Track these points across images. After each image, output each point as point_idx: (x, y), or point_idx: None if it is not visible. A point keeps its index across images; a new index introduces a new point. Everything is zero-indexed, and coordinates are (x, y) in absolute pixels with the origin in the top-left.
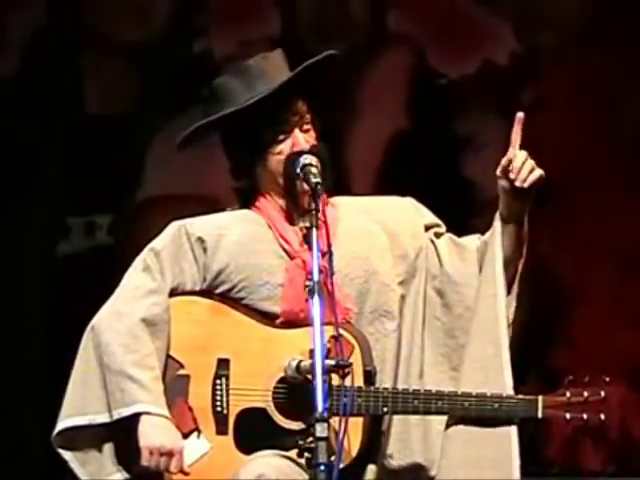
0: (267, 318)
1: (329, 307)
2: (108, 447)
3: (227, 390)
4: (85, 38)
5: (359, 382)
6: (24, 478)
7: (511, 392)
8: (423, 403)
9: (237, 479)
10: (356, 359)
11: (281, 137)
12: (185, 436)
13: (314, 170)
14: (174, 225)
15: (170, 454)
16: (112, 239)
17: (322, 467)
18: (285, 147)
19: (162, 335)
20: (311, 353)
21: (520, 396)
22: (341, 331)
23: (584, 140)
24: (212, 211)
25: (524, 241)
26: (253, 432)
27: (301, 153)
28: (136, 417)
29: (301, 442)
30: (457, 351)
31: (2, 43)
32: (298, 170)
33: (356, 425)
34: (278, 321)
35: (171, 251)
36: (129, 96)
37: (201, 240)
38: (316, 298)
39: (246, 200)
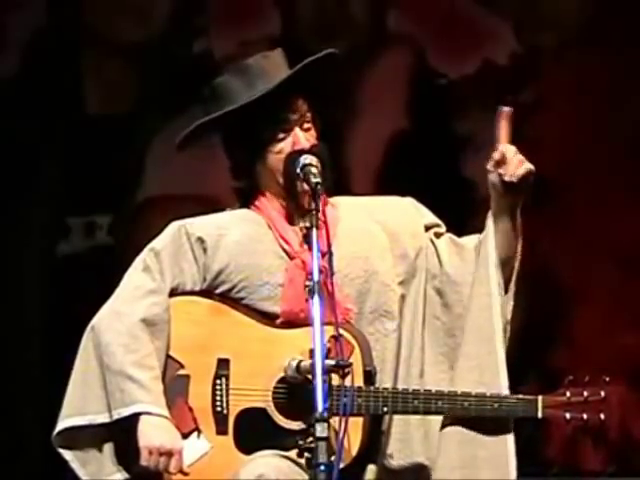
0: (267, 318)
1: (329, 307)
2: (108, 447)
3: (227, 390)
4: (85, 38)
5: (359, 382)
6: (24, 478)
7: (506, 391)
8: (423, 403)
9: (237, 479)
10: (356, 359)
11: (281, 135)
12: (185, 436)
13: (314, 170)
14: (174, 225)
15: (169, 454)
16: (112, 239)
17: (322, 467)
18: (285, 146)
19: (162, 335)
20: (311, 353)
21: (520, 396)
22: (341, 331)
23: (584, 140)
24: (212, 211)
25: (518, 238)
26: (253, 432)
27: (301, 153)
28: (136, 417)
29: (301, 442)
30: (456, 350)
31: (2, 43)
32: (298, 170)
33: (356, 425)
34: (278, 321)
35: (171, 251)
36: (129, 96)
37: (201, 240)
38: (316, 298)
39: (246, 200)
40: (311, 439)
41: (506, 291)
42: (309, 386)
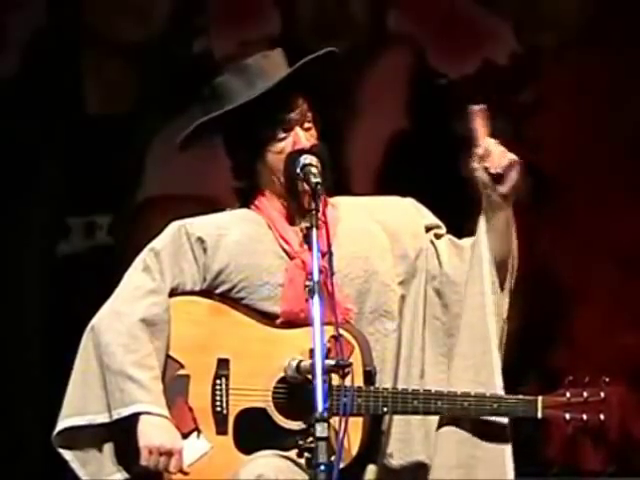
0: (267, 318)
1: (329, 307)
2: (108, 447)
3: (227, 390)
4: (85, 38)
5: (359, 382)
6: (24, 478)
7: (501, 391)
8: (423, 403)
9: (236, 479)
10: (356, 359)
11: (282, 135)
12: (185, 436)
13: (314, 170)
14: (174, 225)
15: (169, 454)
16: (112, 239)
17: (322, 467)
18: (286, 145)
19: (162, 335)
20: (311, 353)
21: (520, 396)
22: (341, 331)
23: (584, 140)
24: (212, 211)
25: (513, 235)
26: (253, 432)
27: (301, 152)
28: (136, 417)
29: (301, 442)
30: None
31: (2, 43)
32: (298, 170)
33: (356, 425)
34: (278, 321)
35: (171, 251)
36: (129, 96)
37: (201, 240)
38: (316, 298)
39: (246, 200)
40: (311, 439)
41: (502, 289)
42: (309, 386)
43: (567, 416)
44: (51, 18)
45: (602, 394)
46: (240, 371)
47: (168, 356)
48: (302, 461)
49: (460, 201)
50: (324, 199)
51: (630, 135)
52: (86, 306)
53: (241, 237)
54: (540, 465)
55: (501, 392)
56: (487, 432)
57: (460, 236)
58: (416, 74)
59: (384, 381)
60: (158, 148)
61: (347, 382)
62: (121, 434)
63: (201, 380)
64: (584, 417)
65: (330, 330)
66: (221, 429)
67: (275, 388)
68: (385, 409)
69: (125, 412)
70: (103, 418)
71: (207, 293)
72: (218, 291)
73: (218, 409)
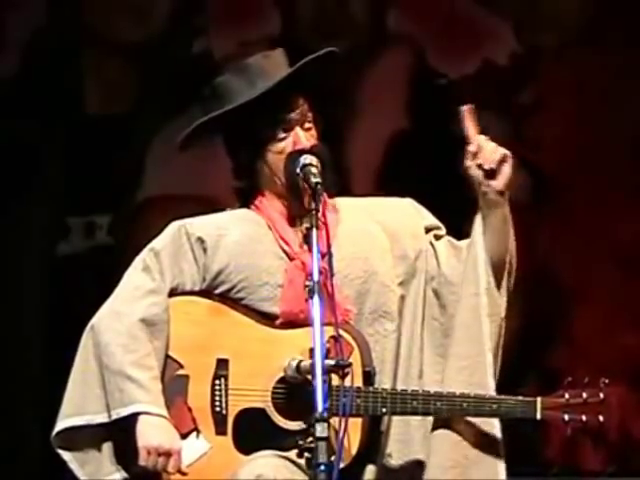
0: (266, 318)
1: (329, 308)
2: (107, 447)
3: (226, 390)
4: (85, 38)
5: (358, 383)
6: (24, 478)
7: (493, 393)
8: (422, 404)
9: (236, 479)
10: (355, 360)
11: (282, 135)
12: (184, 436)
13: (314, 170)
14: (174, 225)
15: (168, 454)
16: (112, 239)
17: (322, 467)
18: (286, 145)
19: (161, 335)
20: (311, 353)
21: (519, 397)
22: (340, 332)
23: (584, 140)
24: (212, 211)
25: (509, 233)
26: (252, 432)
27: (301, 153)
28: (135, 417)
29: (301, 442)
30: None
31: (2, 43)
32: (298, 170)
33: (355, 425)
34: (277, 322)
35: (171, 251)
36: (129, 96)
37: (201, 240)
38: (316, 298)
39: (246, 200)
40: (311, 439)
41: (499, 287)
42: (308, 386)
43: (566, 417)
44: (51, 18)
45: (601, 395)
46: (239, 371)
47: (167, 356)
48: (301, 461)
49: (460, 201)
50: (324, 199)
51: (630, 135)
52: (86, 306)
53: (241, 237)
54: (540, 465)
55: (493, 394)
56: (479, 433)
57: (460, 236)
58: (416, 74)
59: (383, 382)
60: (158, 148)
61: (346, 382)
62: (120, 434)
63: (200, 380)
64: (583, 418)
65: (329, 330)
66: (220, 429)
67: (274, 388)
68: (384, 410)
69: (124, 412)
70: (102, 418)
71: (207, 293)
72: (218, 291)
73: (217, 409)
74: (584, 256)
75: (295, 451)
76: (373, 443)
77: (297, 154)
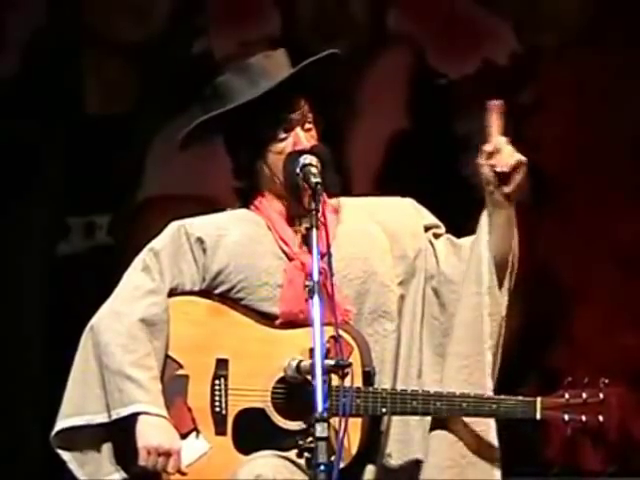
0: (266, 319)
1: (328, 308)
2: (106, 447)
3: (226, 390)
4: (85, 38)
5: (358, 383)
6: (24, 478)
7: (490, 393)
8: (421, 404)
9: (235, 479)
10: (355, 360)
11: (282, 135)
12: (184, 436)
13: (314, 170)
14: (173, 225)
15: (168, 454)
16: (112, 239)
17: (322, 467)
18: (286, 146)
19: (161, 335)
20: (311, 353)
21: (519, 397)
22: (340, 332)
23: (584, 140)
24: (212, 211)
25: (514, 234)
26: (252, 432)
27: (301, 153)
28: (134, 417)
29: (301, 442)
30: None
31: (2, 43)
32: (298, 170)
33: (355, 425)
34: (277, 322)
35: (170, 251)
36: (129, 96)
37: (200, 240)
38: (316, 298)
39: (246, 200)
40: (311, 439)
41: (501, 287)
42: (308, 386)
43: (566, 417)
44: (51, 18)
45: (601, 395)
46: (239, 371)
47: (167, 356)
48: (301, 461)
49: (460, 201)
50: (324, 200)
51: (630, 135)
52: (86, 306)
53: (240, 238)
54: (540, 465)
55: (490, 394)
56: (476, 433)
57: (460, 236)
58: (416, 74)
59: (383, 382)
60: (158, 148)
61: (346, 383)
62: (119, 434)
63: (200, 380)
64: (583, 418)
65: (329, 330)
66: (220, 429)
67: (274, 388)
68: (384, 410)
69: (124, 412)
70: (102, 418)
71: (206, 293)
72: (217, 291)
73: (217, 409)
74: (584, 256)
75: (295, 451)
76: (373, 443)
77: (297, 154)
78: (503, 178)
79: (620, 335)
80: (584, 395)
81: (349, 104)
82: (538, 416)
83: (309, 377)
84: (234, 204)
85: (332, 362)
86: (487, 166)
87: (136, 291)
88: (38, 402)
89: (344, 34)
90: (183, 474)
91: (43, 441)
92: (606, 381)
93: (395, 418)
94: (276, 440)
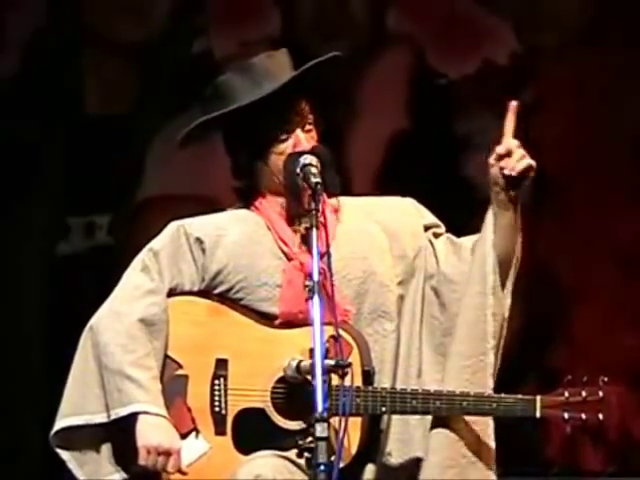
0: (265, 318)
1: (328, 308)
2: (106, 447)
3: (225, 390)
4: (85, 38)
5: (358, 382)
6: (24, 478)
7: (490, 392)
8: (421, 403)
9: (235, 479)
10: (355, 359)
11: (283, 137)
12: (184, 436)
13: (314, 170)
14: (173, 225)
15: (167, 453)
16: (112, 239)
17: (322, 467)
18: (287, 147)
19: (160, 335)
20: (311, 353)
21: (518, 396)
22: (340, 331)
23: (584, 140)
24: (212, 211)
25: (518, 235)
26: (251, 432)
27: (301, 153)
28: (134, 417)
29: (300, 442)
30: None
31: (2, 43)
32: (298, 170)
33: (355, 424)
34: (277, 322)
35: (170, 251)
36: (129, 96)
37: (200, 241)
38: (316, 298)
39: (246, 200)
40: (310, 439)
41: (504, 287)
42: (308, 386)
43: (566, 415)
44: (51, 18)
45: (600, 393)
46: (239, 371)
47: (167, 356)
48: (301, 461)
49: (460, 201)
50: (323, 199)
51: (630, 135)
52: (86, 306)
53: (240, 238)
54: (540, 465)
55: (491, 392)
56: (476, 433)
57: (460, 236)
58: (416, 74)
59: (383, 381)
60: (158, 148)
61: (346, 382)
62: (119, 434)
63: (200, 380)
64: (583, 416)
65: (329, 330)
66: (220, 429)
67: (274, 388)
68: (384, 409)
69: (123, 412)
70: (101, 418)
71: (206, 293)
72: (217, 291)
73: (217, 409)
74: (584, 256)
75: (295, 451)
76: (373, 442)
77: (297, 155)
78: (511, 181)
79: (620, 335)
80: (584, 393)
81: (349, 104)
82: (538, 414)
83: (309, 377)
84: (234, 204)
85: (332, 362)
86: (496, 167)
87: (135, 291)
88: (38, 402)
89: (344, 34)
90: (183, 474)
91: (43, 441)
92: (605, 379)
93: (395, 417)
94: (276, 440)
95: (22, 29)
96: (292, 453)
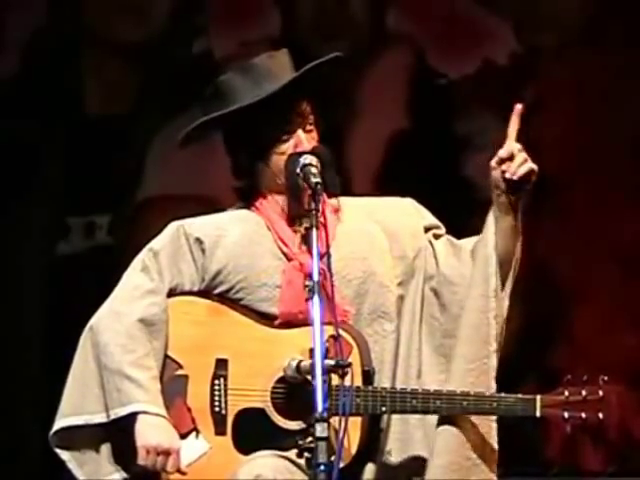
0: (265, 318)
1: (328, 309)
2: (106, 447)
3: (225, 390)
4: (85, 38)
5: (358, 382)
6: (24, 478)
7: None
8: (421, 402)
9: (235, 479)
10: (355, 359)
11: (285, 137)
12: (183, 436)
13: (314, 170)
14: (173, 225)
15: (167, 453)
16: (112, 239)
17: (322, 467)
18: (288, 147)
19: (160, 335)
20: (310, 353)
21: (519, 395)
22: (340, 331)
23: (584, 140)
24: (212, 211)
25: (518, 237)
26: (252, 432)
27: (301, 153)
28: (133, 417)
29: (301, 442)
30: (453, 351)
31: (2, 43)
32: (298, 170)
33: (355, 424)
34: (276, 322)
35: (170, 251)
36: (129, 96)
37: (199, 241)
38: (316, 298)
39: (246, 200)
40: (310, 439)
41: (503, 288)
42: (308, 386)
43: (566, 414)
44: (51, 18)
45: (600, 392)
46: (239, 371)
47: (167, 356)
48: (301, 461)
49: (460, 201)
50: (324, 200)
51: (630, 135)
52: (86, 306)
53: (240, 238)
54: (540, 465)
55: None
56: (480, 434)
57: (460, 236)
58: (416, 74)
59: (382, 382)
60: (158, 148)
61: (346, 382)
62: (119, 434)
63: (200, 380)
64: (583, 415)
65: (329, 330)
66: (220, 429)
67: (274, 388)
68: (384, 408)
69: (122, 412)
70: (100, 418)
71: (206, 293)
72: (216, 292)
73: (217, 409)
74: (584, 256)
75: (295, 451)
76: (373, 441)
77: (297, 155)
78: (511, 185)
79: (620, 335)
80: (584, 392)
81: (349, 104)
82: (538, 413)
83: (309, 377)
84: (234, 204)
85: (332, 362)
86: (498, 170)
87: (135, 291)
88: (38, 402)
89: (344, 34)
90: (182, 473)
91: (43, 441)
92: (605, 378)
93: (395, 418)
94: (276, 440)
95: (22, 29)
96: (292, 453)
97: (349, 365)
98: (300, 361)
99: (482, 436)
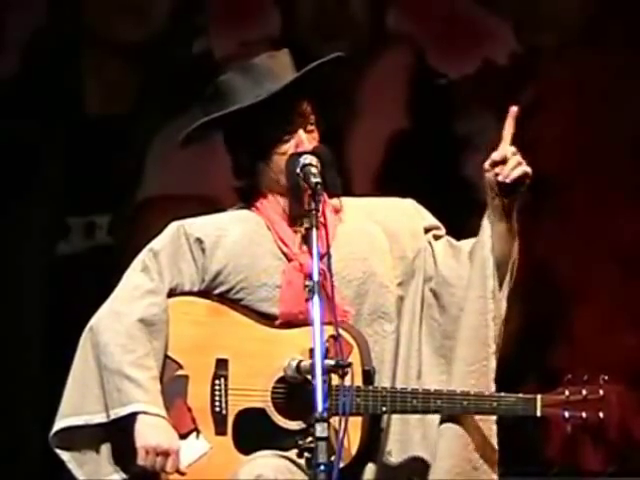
0: (266, 319)
1: (328, 309)
2: (105, 447)
3: (226, 390)
4: (85, 38)
5: (358, 382)
6: (24, 478)
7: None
8: (421, 402)
9: (236, 479)
10: (355, 359)
11: (286, 137)
12: (184, 436)
13: (314, 170)
14: (173, 225)
15: (166, 454)
16: (112, 239)
17: (322, 467)
18: (289, 147)
19: (160, 335)
20: (311, 353)
21: (519, 395)
22: (340, 331)
23: (584, 140)
24: (212, 211)
25: (514, 239)
26: (252, 432)
27: (302, 153)
28: (133, 417)
29: (301, 442)
30: (453, 352)
31: (2, 43)
32: (298, 170)
33: (355, 424)
34: (277, 322)
35: (170, 252)
36: (129, 96)
37: (200, 241)
38: (316, 298)
39: (247, 200)
40: (311, 439)
41: (500, 289)
42: (308, 386)
43: (566, 414)
44: (51, 18)
45: (601, 392)
46: (239, 371)
47: (167, 356)
48: (301, 461)
49: (460, 201)
50: (324, 200)
51: (630, 135)
52: (86, 306)
53: (240, 238)
54: (540, 465)
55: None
56: (482, 436)
57: (460, 236)
58: (416, 74)
59: (382, 383)
60: (158, 148)
61: (346, 382)
62: (118, 434)
63: (200, 380)
64: (583, 415)
65: (329, 330)
66: (220, 429)
67: (274, 388)
68: (384, 408)
69: (122, 412)
70: (100, 418)
71: (206, 293)
72: (217, 292)
73: (217, 409)
74: (584, 256)
75: (295, 451)
76: (373, 441)
77: (297, 155)
78: (504, 188)
79: (620, 335)
80: (584, 392)
81: (349, 104)
82: (538, 413)
83: (309, 377)
84: (235, 204)
85: (332, 362)
86: (492, 173)
87: (135, 291)
88: (38, 402)
89: (344, 34)
90: (182, 474)
91: (43, 441)
92: (606, 378)
93: (395, 418)
94: (276, 440)
95: (22, 29)
96: (292, 453)
97: (349, 365)
98: (300, 361)
99: (484, 438)
